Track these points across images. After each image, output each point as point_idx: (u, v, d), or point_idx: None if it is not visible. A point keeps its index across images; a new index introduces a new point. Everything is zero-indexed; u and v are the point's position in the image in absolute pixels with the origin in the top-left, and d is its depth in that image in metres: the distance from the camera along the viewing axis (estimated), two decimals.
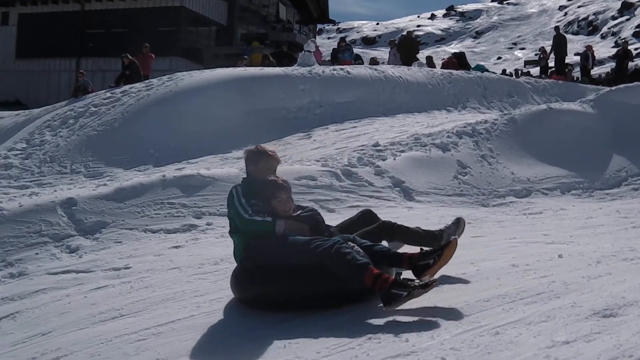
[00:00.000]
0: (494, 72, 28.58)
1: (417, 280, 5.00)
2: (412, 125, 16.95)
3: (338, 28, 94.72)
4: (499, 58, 73.25)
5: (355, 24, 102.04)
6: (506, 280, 5.60)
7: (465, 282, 5.68)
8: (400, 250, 5.66)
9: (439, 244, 5.83)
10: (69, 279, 7.70)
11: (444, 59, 31.33)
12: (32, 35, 40.38)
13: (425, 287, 4.86)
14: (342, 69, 20.91)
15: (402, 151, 12.88)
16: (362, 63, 28.35)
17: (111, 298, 6.62)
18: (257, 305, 5.42)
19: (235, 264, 5.84)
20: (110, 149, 16.13)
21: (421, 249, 5.46)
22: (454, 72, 23.12)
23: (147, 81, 20.63)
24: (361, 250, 5.27)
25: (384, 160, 12.32)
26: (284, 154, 14.48)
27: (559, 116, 15.24)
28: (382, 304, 4.93)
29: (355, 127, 17.19)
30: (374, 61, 29.96)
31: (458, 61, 28.65)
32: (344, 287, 5.15)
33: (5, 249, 8.93)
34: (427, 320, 4.73)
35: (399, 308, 4.91)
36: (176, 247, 8.34)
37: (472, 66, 29.55)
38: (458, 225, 6.32)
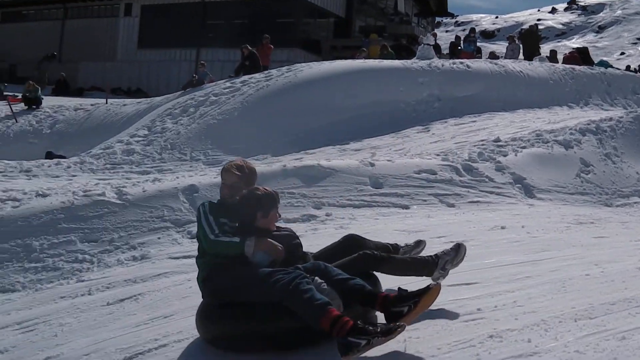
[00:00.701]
0: (617, 68, 27.84)
1: (381, 325, 4.42)
2: (533, 121, 16.68)
3: (456, 21, 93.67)
4: (622, 53, 71.17)
5: (474, 17, 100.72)
6: (632, 283, 5.41)
7: (589, 283, 5.51)
8: (381, 285, 5.12)
9: (433, 271, 5.31)
10: (190, 263, 7.79)
11: (565, 54, 30.63)
12: (153, 26, 41.30)
13: (388, 333, 4.24)
14: (461, 63, 20.74)
15: (524, 147, 12.69)
16: (481, 57, 28.02)
17: None
18: (225, 346, 4.83)
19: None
20: (229, 137, 16.43)
21: (399, 289, 4.76)
22: (577, 67, 22.62)
23: (266, 72, 20.87)
24: (327, 287, 4.66)
25: (505, 156, 12.16)
26: (402, 147, 14.47)
27: None
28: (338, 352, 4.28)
29: (474, 121, 17.04)
30: (493, 55, 29.52)
31: (581, 56, 28.01)
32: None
33: (129, 233, 9.20)
34: (549, 321, 4.58)
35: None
36: None
37: (595, 62, 28.81)
38: (458, 252, 5.45)
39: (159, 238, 9.05)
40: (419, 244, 5.83)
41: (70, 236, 9.32)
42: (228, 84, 19.97)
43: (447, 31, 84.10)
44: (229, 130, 16.72)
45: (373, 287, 4.97)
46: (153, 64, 40.54)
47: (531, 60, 23.79)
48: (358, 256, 5.15)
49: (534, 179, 11.61)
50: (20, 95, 27.62)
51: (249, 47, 24.32)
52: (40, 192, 11.12)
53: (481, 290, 5.41)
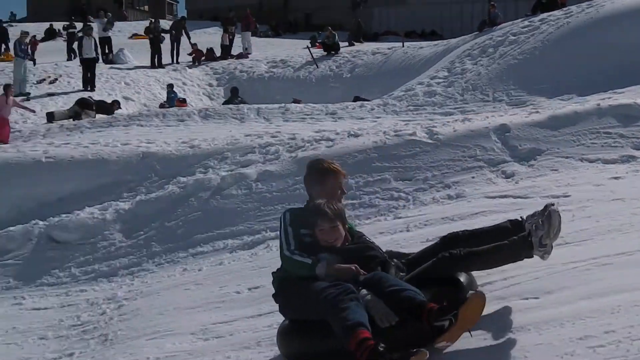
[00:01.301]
0: None
1: (402, 351, 3.95)
2: None
3: None
4: None
5: None
6: None
7: None
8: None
9: (532, 253, 4.58)
10: (507, 203, 7.84)
11: None
12: None
13: None
14: None
15: None
16: None
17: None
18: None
19: None
20: (530, 77, 16.18)
21: (444, 301, 4.24)
22: None
23: (565, 8, 20.24)
24: (375, 301, 4.29)
25: None
26: None
27: None
28: None
29: None
30: None
31: None
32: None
33: (442, 172, 9.41)
34: None
35: None
36: (616, 177, 8.07)
37: None
38: (550, 221, 4.53)
39: (472, 177, 9.18)
40: (546, 210, 4.65)
41: (384, 174, 9.69)
42: (526, 23, 19.66)
43: None
44: (530, 70, 16.45)
45: (456, 294, 4.47)
46: (445, 6, 40.57)
47: None
48: (436, 261, 4.64)
49: None
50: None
51: None
52: (352, 133, 11.60)
53: None
